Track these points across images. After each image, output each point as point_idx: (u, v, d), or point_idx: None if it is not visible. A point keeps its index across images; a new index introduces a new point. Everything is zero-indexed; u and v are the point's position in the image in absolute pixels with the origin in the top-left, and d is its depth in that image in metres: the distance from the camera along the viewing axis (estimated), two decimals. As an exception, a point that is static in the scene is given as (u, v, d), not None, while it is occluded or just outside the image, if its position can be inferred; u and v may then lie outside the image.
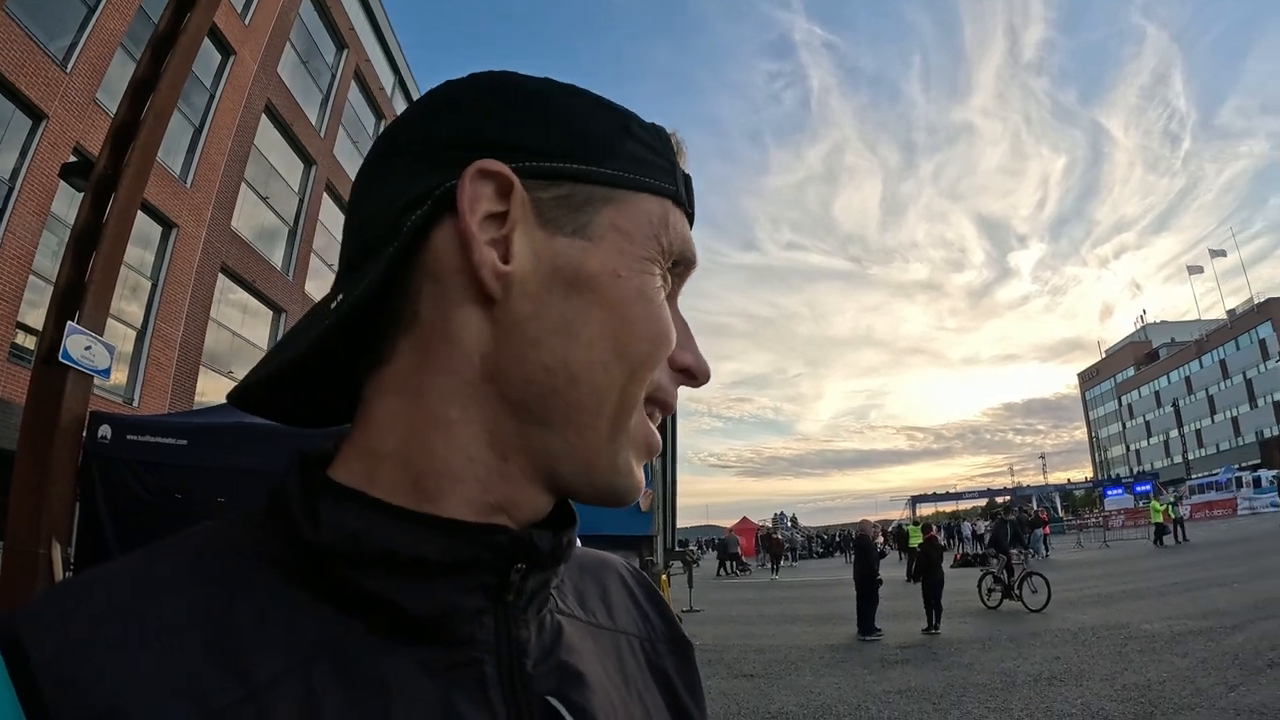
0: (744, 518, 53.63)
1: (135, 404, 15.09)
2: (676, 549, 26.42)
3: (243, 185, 19.10)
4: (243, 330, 20.34)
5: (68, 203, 12.10)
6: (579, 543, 0.58)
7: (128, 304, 15.25)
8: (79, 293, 4.66)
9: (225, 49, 17.87)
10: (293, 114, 21.49)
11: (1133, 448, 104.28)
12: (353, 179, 0.56)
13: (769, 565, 35.40)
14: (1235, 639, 8.86)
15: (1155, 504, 28.43)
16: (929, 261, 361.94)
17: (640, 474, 0.51)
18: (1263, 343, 79.05)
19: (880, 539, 14.30)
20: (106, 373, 4.84)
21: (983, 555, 30.21)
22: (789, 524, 64.76)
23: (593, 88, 0.53)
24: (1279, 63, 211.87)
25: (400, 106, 28.45)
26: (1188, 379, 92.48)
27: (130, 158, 4.83)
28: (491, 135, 0.48)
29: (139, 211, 5.28)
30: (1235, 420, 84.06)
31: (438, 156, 0.48)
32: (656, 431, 0.52)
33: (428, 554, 0.44)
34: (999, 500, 60.92)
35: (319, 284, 23.01)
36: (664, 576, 15.88)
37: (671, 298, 0.54)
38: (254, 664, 0.40)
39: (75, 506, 4.71)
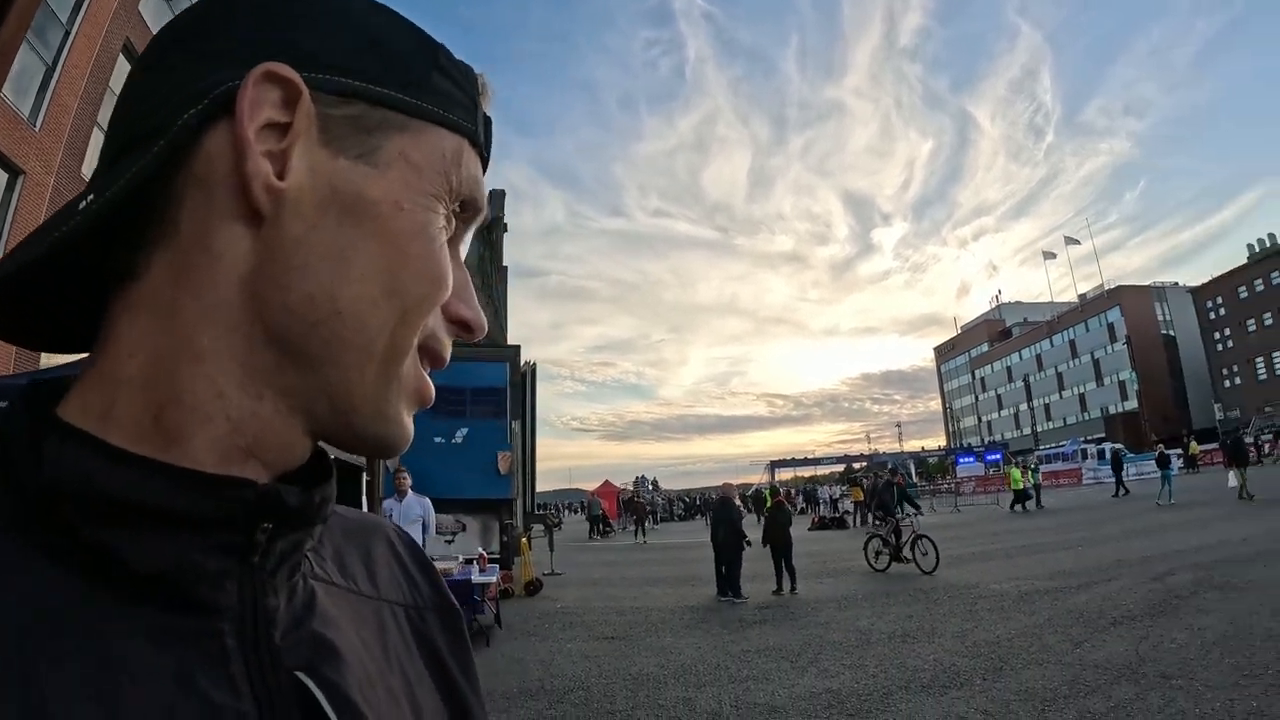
0: (606, 481, 54.03)
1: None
2: (537, 512, 26.53)
3: (94, 129, 17.61)
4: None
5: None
6: (335, 504, 0.53)
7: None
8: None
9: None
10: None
11: (984, 419, 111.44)
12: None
13: (632, 528, 35.93)
14: (1080, 598, 9.29)
15: (1015, 471, 30.05)
16: (794, 234, 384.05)
17: (410, 424, 0.48)
18: (1111, 326, 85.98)
19: (739, 502, 14.45)
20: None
21: (839, 518, 31.66)
22: (650, 487, 65.67)
23: (463, 40, 0.36)
24: (1144, 70, 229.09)
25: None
26: (1039, 356, 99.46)
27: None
28: (286, 40, 0.44)
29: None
30: (1082, 396, 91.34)
31: (223, 54, 0.44)
32: (430, 381, 0.49)
33: (159, 504, 0.39)
34: (856, 466, 63.73)
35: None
36: (524, 540, 15.89)
37: (454, 243, 0.51)
38: None
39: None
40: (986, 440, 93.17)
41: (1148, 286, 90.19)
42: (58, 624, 0.36)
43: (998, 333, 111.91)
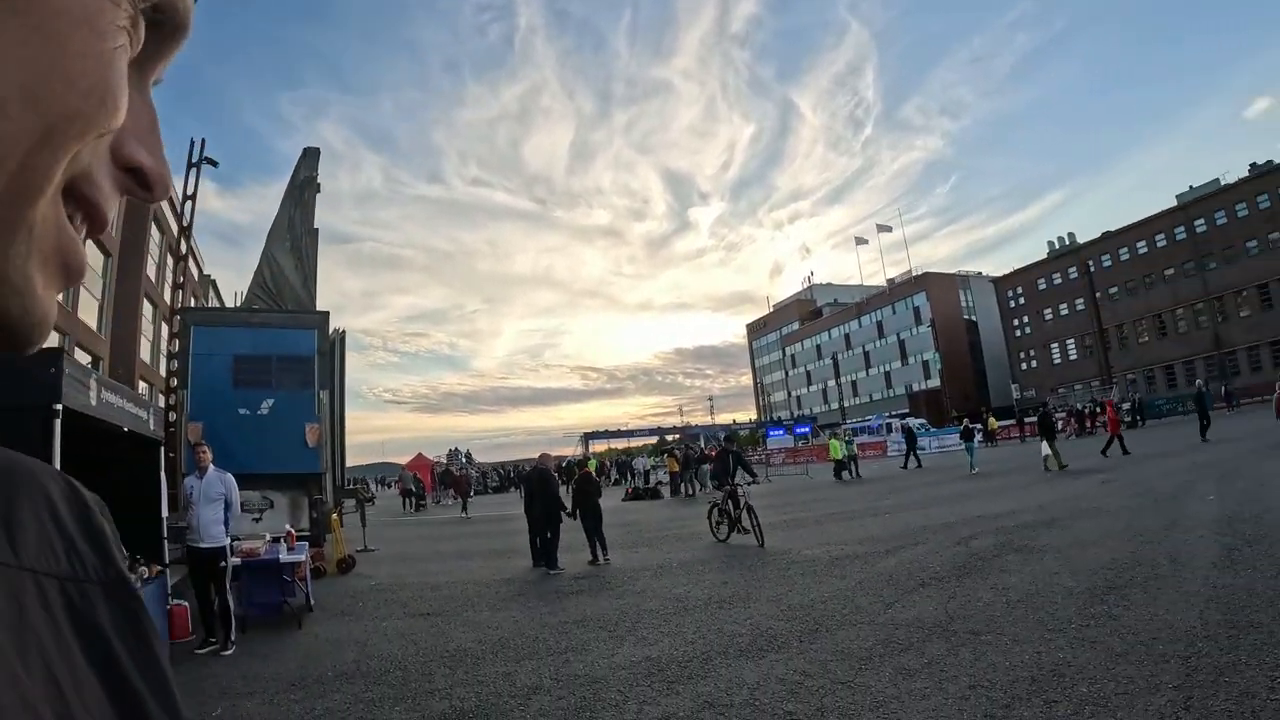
0: (419, 454, 52.76)
1: None
2: (349, 486, 25.31)
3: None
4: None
5: None
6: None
7: None
8: None
9: None
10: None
11: (794, 394, 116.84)
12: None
13: (446, 502, 35.11)
14: (888, 562, 9.72)
15: (835, 443, 31.48)
16: (612, 209, 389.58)
17: (51, 301, 0.36)
18: (916, 310, 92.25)
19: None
20: None
21: (653, 489, 32.16)
22: (464, 460, 64.59)
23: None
24: (962, 75, 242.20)
25: None
26: (847, 336, 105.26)
27: None
28: None
29: None
30: (888, 374, 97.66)
31: None
32: (79, 243, 0.37)
33: None
34: (669, 438, 65.06)
35: None
36: (335, 516, 15.16)
37: (144, 69, 0.40)
38: None
39: None
40: (796, 414, 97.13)
41: (953, 274, 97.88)
42: None
43: (809, 312, 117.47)
